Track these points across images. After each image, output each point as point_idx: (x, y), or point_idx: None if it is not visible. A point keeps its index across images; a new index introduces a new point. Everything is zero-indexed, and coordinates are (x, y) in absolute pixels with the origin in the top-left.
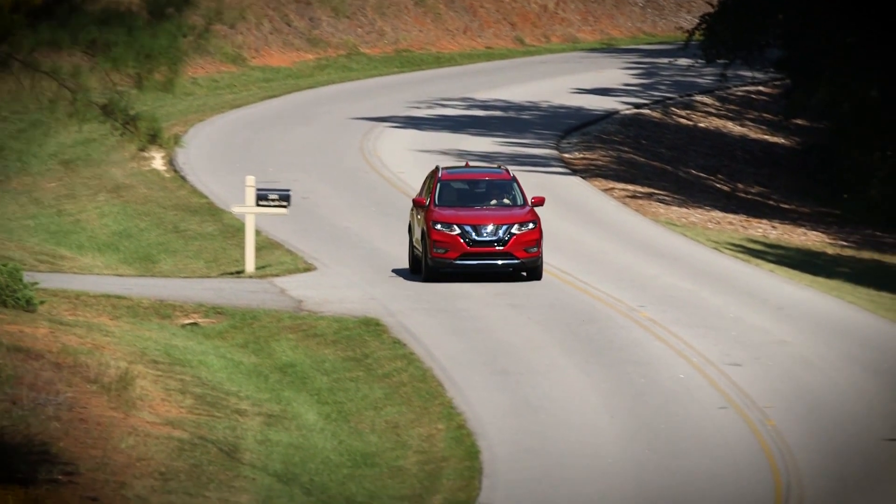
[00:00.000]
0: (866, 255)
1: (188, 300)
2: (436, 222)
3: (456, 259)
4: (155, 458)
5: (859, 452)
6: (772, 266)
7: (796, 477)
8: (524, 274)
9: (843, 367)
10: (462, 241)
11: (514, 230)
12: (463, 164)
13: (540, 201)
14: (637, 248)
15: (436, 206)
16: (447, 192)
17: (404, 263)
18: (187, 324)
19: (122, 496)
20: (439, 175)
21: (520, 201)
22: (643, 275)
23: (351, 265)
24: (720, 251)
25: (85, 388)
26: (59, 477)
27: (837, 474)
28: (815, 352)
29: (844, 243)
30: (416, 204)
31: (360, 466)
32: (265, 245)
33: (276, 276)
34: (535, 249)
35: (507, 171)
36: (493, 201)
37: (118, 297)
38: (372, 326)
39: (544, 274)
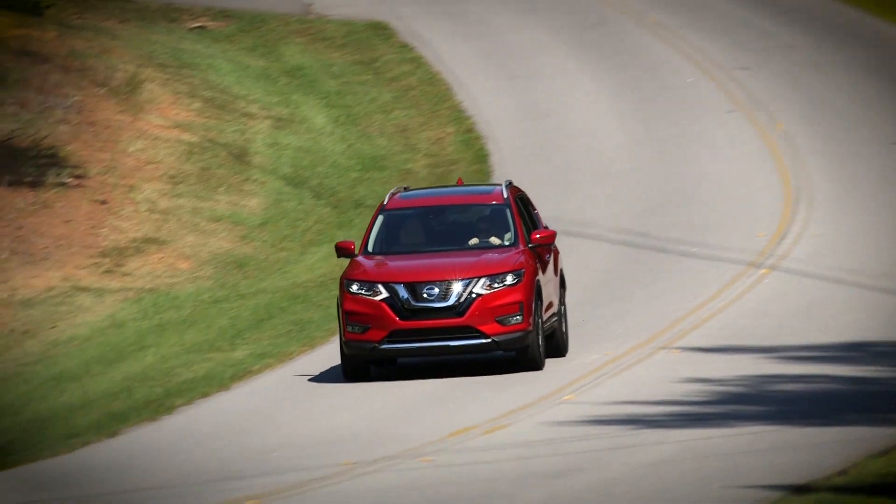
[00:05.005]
0: None
1: (196, 3)
2: (351, 282)
3: (382, 341)
4: (164, 161)
5: (867, 156)
6: None
7: (806, 179)
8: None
9: (851, 72)
10: (391, 310)
11: (480, 288)
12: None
13: (548, 237)
14: None
15: (365, 253)
16: (390, 230)
17: None
18: (195, 27)
19: (130, 199)
20: (385, 202)
21: (511, 239)
22: None
23: None
24: None
25: (93, 92)
26: (68, 180)
27: (845, 177)
28: (823, 56)
29: None
30: (340, 251)
31: (369, 170)
32: None
33: None
34: (518, 319)
35: (509, 189)
36: (470, 240)
37: (126, 0)
38: (380, 30)
39: None
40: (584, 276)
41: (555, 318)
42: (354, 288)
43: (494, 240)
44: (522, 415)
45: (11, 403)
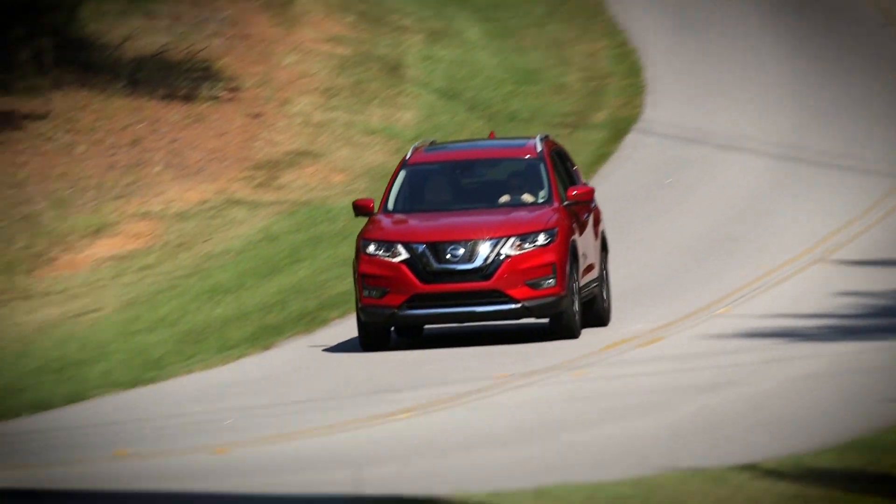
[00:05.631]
0: None
1: None
2: (368, 242)
3: (401, 307)
4: (317, 74)
5: None
6: None
7: None
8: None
9: None
10: (411, 272)
11: (509, 249)
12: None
13: (585, 194)
14: None
15: (385, 211)
16: (412, 187)
17: None
18: None
19: (284, 113)
20: (407, 157)
21: (544, 196)
22: None
23: None
24: None
25: (247, 5)
26: (222, 93)
27: None
28: None
29: None
30: (358, 209)
31: (523, 83)
32: None
33: None
34: (551, 282)
35: (544, 143)
36: (501, 198)
37: None
38: None
39: None
40: (737, 192)
41: (595, 285)
42: (371, 248)
43: (527, 197)
44: (677, 328)
45: (166, 316)
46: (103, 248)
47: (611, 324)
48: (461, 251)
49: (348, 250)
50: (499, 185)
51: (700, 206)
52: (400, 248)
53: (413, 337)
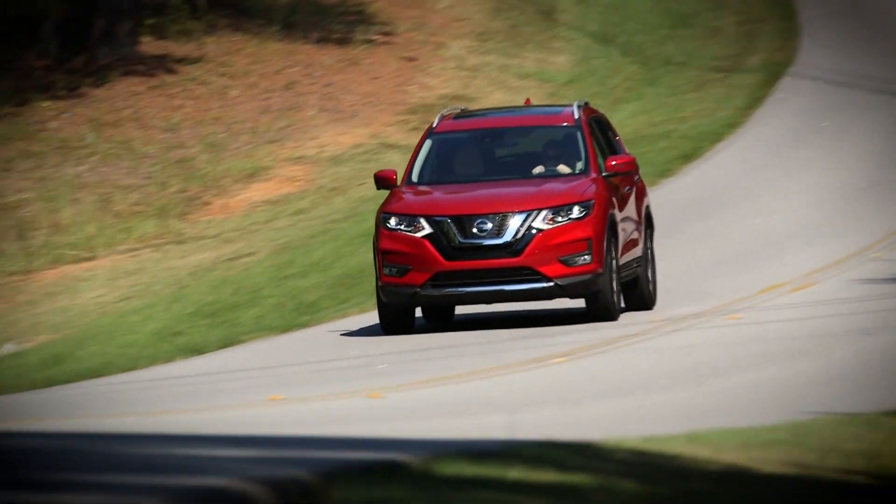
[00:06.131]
0: None
1: None
2: (389, 215)
3: (424, 285)
4: (472, 18)
5: None
6: None
7: None
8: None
9: None
10: (435, 248)
11: (540, 222)
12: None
13: (625, 164)
14: None
15: (409, 183)
16: (439, 158)
17: None
18: None
19: (438, 56)
20: (434, 125)
21: (581, 167)
22: None
23: None
24: None
25: None
26: (376, 37)
27: None
28: None
29: None
30: (380, 182)
31: (677, 27)
32: None
33: None
34: (587, 259)
35: (582, 110)
36: (535, 169)
37: None
38: None
39: None
40: (891, 136)
41: (637, 265)
42: (392, 223)
43: (563, 168)
44: (831, 272)
45: (320, 260)
46: (257, 192)
47: (765, 267)
48: (489, 225)
49: None
50: (532, 156)
51: (853, 150)
52: (423, 221)
53: (443, 321)
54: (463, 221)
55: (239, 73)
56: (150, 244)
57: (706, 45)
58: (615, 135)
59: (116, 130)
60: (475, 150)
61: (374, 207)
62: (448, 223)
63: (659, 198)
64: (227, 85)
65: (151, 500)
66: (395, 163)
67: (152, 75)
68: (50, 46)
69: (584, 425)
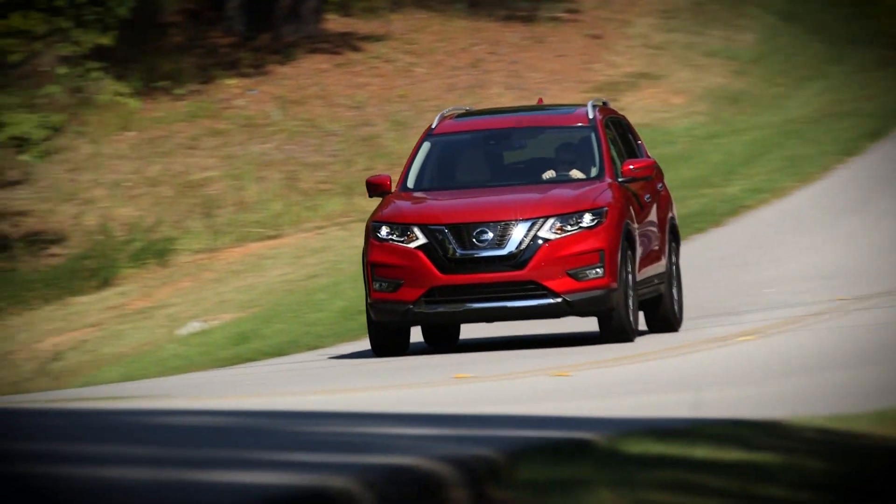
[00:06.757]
0: None
1: None
2: (379, 224)
3: (418, 302)
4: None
5: None
6: None
7: None
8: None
9: None
10: (430, 261)
11: (547, 232)
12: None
13: (644, 168)
14: None
15: (404, 189)
16: (437, 162)
17: None
18: None
19: (624, 34)
20: (433, 126)
21: (596, 172)
22: None
23: None
24: None
25: None
26: (562, 14)
27: None
28: None
29: None
30: (372, 189)
31: (863, 4)
32: None
33: None
34: (598, 272)
35: (597, 110)
36: (545, 174)
37: None
38: None
39: None
40: None
41: (659, 282)
42: (384, 232)
43: (576, 173)
44: None
45: None
46: None
47: None
48: (489, 235)
49: (690, 172)
50: (542, 160)
51: None
52: (417, 231)
53: (445, 344)
54: (461, 230)
55: (424, 50)
56: (336, 222)
57: (892, 23)
58: (637, 138)
59: (302, 108)
60: (478, 154)
61: None
62: (444, 232)
63: (844, 175)
64: (412, 62)
65: (338, 479)
66: None
67: (338, 53)
68: (235, 24)
69: (771, 403)
